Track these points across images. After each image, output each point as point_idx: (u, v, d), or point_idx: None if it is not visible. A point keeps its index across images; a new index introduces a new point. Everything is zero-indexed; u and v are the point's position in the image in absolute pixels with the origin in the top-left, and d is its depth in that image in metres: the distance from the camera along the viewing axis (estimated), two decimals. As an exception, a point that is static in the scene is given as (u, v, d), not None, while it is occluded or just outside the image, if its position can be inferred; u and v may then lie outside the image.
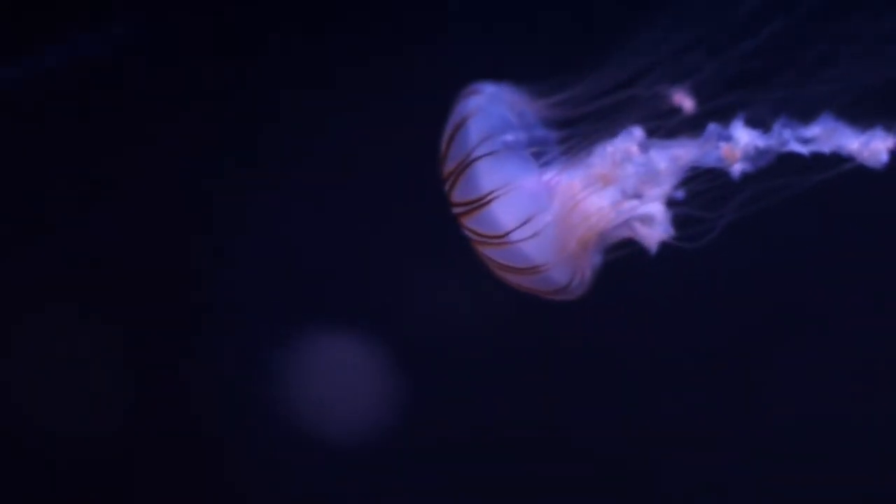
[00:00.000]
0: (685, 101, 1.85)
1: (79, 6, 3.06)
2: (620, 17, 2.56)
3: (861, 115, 1.79)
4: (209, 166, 3.13)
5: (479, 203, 1.91)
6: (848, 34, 1.81)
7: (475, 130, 1.92)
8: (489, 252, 1.96)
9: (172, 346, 3.18)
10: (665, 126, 1.84)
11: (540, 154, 1.94)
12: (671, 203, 1.88)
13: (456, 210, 1.96)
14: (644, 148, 1.86)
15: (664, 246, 1.88)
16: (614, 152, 1.87)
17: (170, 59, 3.08)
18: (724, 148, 1.81)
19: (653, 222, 1.89)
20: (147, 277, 3.15)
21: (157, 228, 3.15)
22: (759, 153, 1.78)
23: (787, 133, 1.76)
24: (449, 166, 1.95)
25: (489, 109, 1.94)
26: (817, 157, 1.75)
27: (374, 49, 3.06)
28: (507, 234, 1.90)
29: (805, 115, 1.78)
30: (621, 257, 1.96)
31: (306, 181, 3.12)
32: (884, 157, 1.78)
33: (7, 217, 3.15)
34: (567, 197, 1.90)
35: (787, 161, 1.78)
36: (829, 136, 1.77)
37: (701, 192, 1.84)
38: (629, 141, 1.86)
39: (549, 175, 1.92)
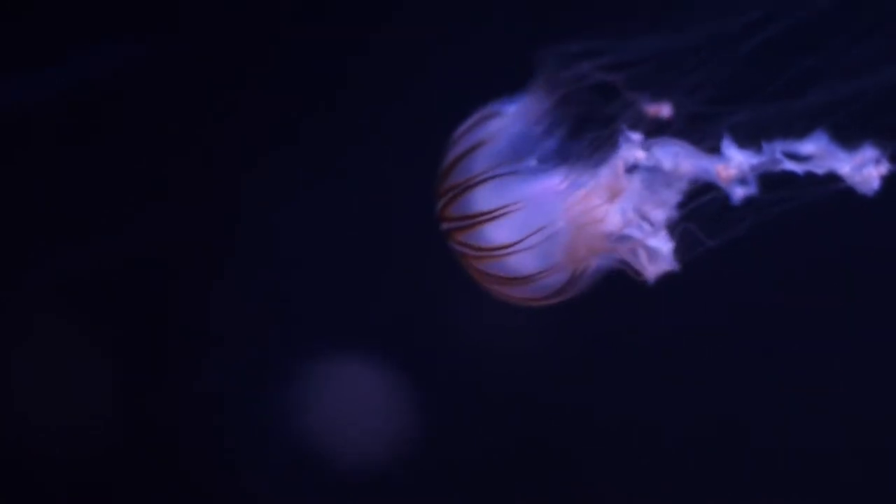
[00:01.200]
0: (663, 110, 1.86)
1: (78, 27, 3.07)
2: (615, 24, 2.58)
3: (855, 137, 1.81)
4: (209, 186, 3.14)
5: (482, 219, 1.91)
6: (841, 52, 1.83)
7: (488, 153, 1.93)
8: (485, 265, 1.95)
9: (173, 368, 3.17)
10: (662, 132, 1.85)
11: (547, 163, 1.93)
12: (673, 227, 1.88)
13: (450, 225, 1.96)
14: (648, 150, 1.86)
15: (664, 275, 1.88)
16: (620, 162, 1.87)
17: (165, 81, 3.08)
18: (718, 167, 1.82)
19: (656, 255, 1.89)
20: (145, 298, 3.14)
21: (158, 248, 3.15)
22: (753, 171, 1.79)
23: (779, 151, 1.78)
24: (450, 182, 1.94)
25: (504, 133, 1.94)
26: (810, 176, 1.77)
27: (371, 63, 3.08)
28: (510, 247, 1.90)
29: (799, 133, 1.80)
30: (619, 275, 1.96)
31: (310, 198, 3.13)
32: (875, 184, 1.80)
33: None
34: (573, 208, 1.89)
35: (782, 179, 1.80)
36: (821, 156, 1.79)
37: (698, 211, 1.85)
38: (632, 148, 1.86)
39: (555, 184, 1.90)
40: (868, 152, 1.80)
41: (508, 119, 1.95)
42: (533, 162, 1.91)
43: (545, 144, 1.94)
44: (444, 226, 1.98)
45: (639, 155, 1.85)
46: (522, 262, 1.92)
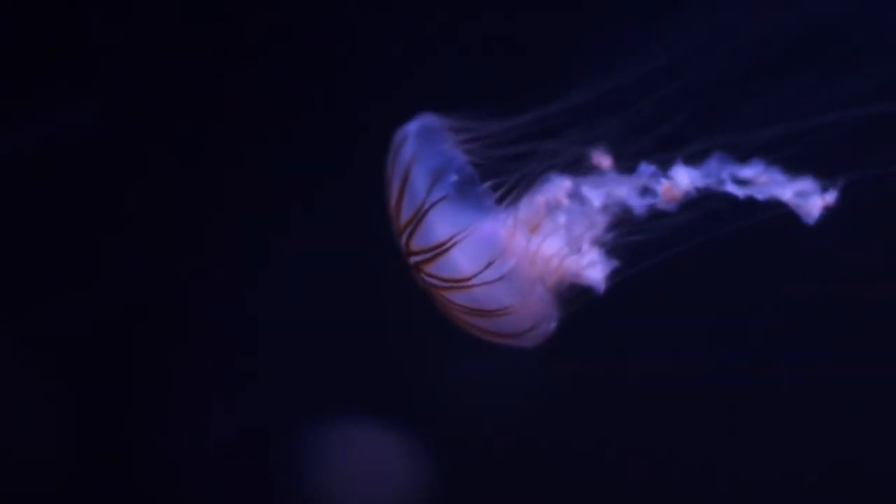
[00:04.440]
0: (603, 161, 1.92)
1: (40, 91, 3.10)
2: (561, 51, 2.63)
3: (803, 167, 1.87)
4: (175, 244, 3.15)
5: (443, 248, 1.92)
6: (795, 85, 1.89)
7: (422, 175, 1.93)
8: (453, 297, 1.97)
9: (168, 420, 3.16)
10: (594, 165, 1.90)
11: (492, 188, 1.95)
12: (607, 244, 1.94)
13: (414, 259, 1.97)
14: (573, 194, 1.92)
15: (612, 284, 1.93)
16: (542, 202, 1.92)
17: (128, 143, 3.11)
18: (664, 186, 1.87)
19: (593, 267, 1.94)
20: (137, 352, 3.14)
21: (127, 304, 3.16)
22: (697, 192, 1.85)
23: (724, 174, 1.83)
24: (404, 216, 1.96)
25: (428, 149, 1.94)
26: (752, 201, 1.83)
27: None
28: (475, 275, 1.92)
29: (744, 157, 1.86)
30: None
31: (278, 246, 3.14)
32: (816, 213, 1.86)
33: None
34: (525, 235, 1.94)
35: (724, 201, 1.86)
36: (765, 181, 1.85)
37: (638, 230, 1.91)
38: (556, 190, 1.92)
39: (505, 213, 1.94)
40: (813, 182, 1.86)
41: (431, 134, 1.97)
42: (471, 176, 1.93)
43: (474, 169, 1.96)
44: (411, 260, 1.99)
45: (573, 184, 1.92)
46: (489, 292, 1.93)
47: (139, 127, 3.09)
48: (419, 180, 1.93)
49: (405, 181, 1.94)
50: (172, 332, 3.13)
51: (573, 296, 1.98)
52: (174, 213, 3.11)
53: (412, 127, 1.98)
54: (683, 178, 1.85)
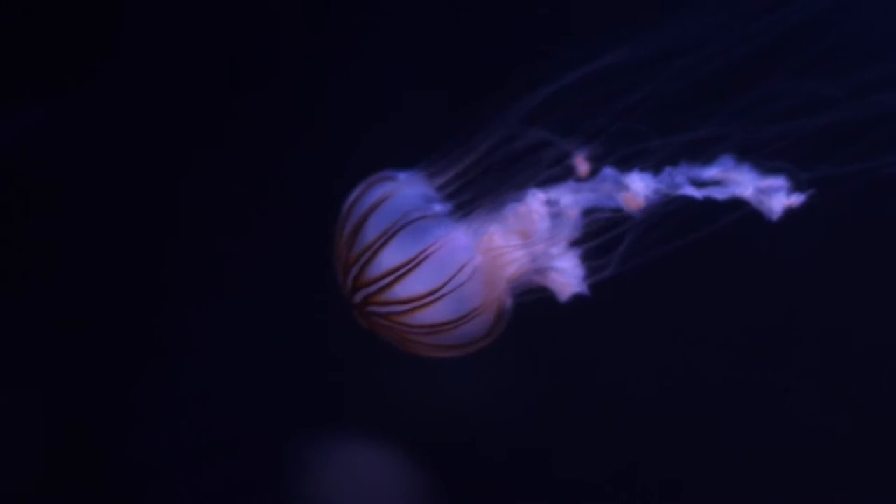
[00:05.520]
0: (581, 165, 1.89)
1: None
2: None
3: (771, 166, 1.85)
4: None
5: (401, 272, 1.92)
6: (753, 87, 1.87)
7: (385, 214, 1.95)
8: (411, 318, 1.95)
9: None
10: (565, 170, 1.89)
11: (447, 210, 1.96)
12: (579, 249, 1.92)
13: (365, 292, 1.96)
14: (549, 204, 1.90)
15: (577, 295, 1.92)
16: (523, 212, 1.91)
17: (73, 146, 3.08)
18: (626, 196, 1.85)
19: (565, 274, 1.92)
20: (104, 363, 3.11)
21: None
22: (660, 197, 1.83)
23: (681, 177, 1.81)
24: (356, 248, 1.96)
25: (400, 194, 1.97)
26: (713, 202, 1.81)
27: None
28: (430, 294, 1.91)
29: (705, 159, 1.84)
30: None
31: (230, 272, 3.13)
32: (778, 210, 1.84)
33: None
34: (484, 251, 1.93)
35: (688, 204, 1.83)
36: (731, 179, 1.83)
37: (606, 235, 1.89)
38: (534, 202, 1.90)
39: (465, 231, 1.94)
40: (776, 180, 1.85)
41: (401, 180, 1.99)
42: (432, 210, 1.95)
43: (439, 194, 1.99)
44: (361, 293, 1.98)
45: (544, 195, 1.90)
46: (444, 308, 1.93)
47: (89, 130, 3.07)
48: (382, 217, 1.95)
49: (365, 217, 1.96)
50: (138, 343, 3.10)
51: (542, 301, 1.97)
52: (138, 219, 3.09)
53: (392, 175, 2.01)
54: (639, 185, 1.82)
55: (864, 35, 2.50)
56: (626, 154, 1.85)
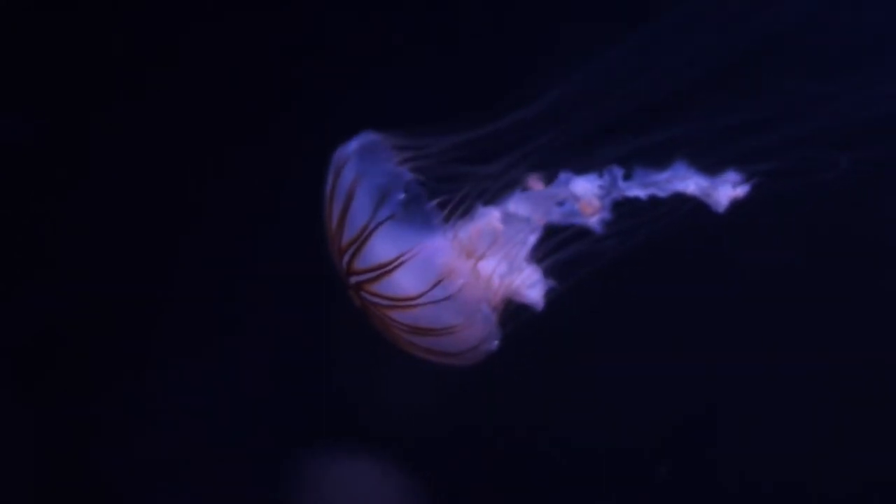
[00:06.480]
0: (535, 184, 1.96)
1: None
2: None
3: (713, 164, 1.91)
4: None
5: (388, 267, 1.93)
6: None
7: (367, 194, 1.92)
8: (396, 315, 1.97)
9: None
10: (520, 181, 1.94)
11: (439, 206, 1.96)
12: (544, 261, 1.98)
13: (356, 279, 1.98)
14: (509, 216, 1.95)
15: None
16: (480, 225, 1.96)
17: (73, 146, 3.09)
18: (581, 203, 1.92)
19: (531, 284, 1.98)
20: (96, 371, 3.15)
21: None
22: (610, 200, 1.88)
23: (620, 180, 1.88)
24: (346, 236, 1.95)
25: (373, 167, 1.93)
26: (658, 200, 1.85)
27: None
28: (420, 294, 1.93)
29: (657, 160, 1.91)
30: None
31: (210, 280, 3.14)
32: (724, 203, 1.89)
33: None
34: (467, 256, 1.95)
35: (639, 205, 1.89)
36: (673, 179, 1.89)
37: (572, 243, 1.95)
38: (492, 213, 1.96)
39: (450, 231, 1.95)
40: (728, 175, 1.91)
41: (374, 153, 1.96)
42: (417, 202, 1.92)
43: (420, 187, 1.95)
44: (353, 280, 2.00)
45: (508, 206, 1.95)
46: (433, 311, 1.94)
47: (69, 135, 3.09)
48: (364, 199, 1.91)
49: (349, 200, 1.92)
50: (135, 345, 3.13)
51: (514, 313, 2.01)
52: (138, 219, 3.10)
53: (354, 145, 1.96)
54: (583, 189, 1.89)
55: (855, 35, 2.50)
56: (584, 161, 1.92)
